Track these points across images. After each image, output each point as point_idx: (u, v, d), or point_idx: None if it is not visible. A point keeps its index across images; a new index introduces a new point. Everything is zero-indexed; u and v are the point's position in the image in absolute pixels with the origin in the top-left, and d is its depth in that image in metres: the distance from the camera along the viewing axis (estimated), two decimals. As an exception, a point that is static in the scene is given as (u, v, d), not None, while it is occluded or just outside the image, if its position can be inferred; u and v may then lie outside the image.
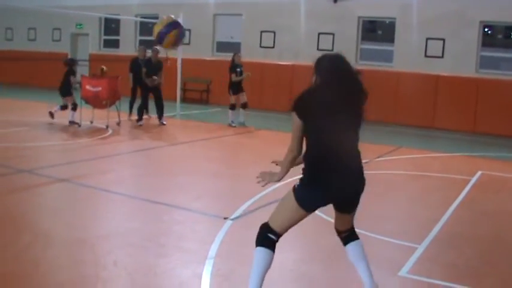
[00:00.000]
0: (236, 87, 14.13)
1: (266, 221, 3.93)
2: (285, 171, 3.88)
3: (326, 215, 6.03)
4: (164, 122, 13.97)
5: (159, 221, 6.25)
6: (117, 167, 9.25)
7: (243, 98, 14.29)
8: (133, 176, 8.71)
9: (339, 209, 4.00)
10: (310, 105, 3.71)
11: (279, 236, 3.87)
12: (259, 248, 3.84)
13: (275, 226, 3.85)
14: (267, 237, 3.85)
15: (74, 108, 12.78)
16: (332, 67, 3.78)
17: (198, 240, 5.63)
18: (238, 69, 14.04)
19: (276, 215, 3.90)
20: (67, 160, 9.39)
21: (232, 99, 14.15)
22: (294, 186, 3.83)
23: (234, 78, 13.98)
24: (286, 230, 3.89)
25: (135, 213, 6.59)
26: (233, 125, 14.11)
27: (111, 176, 8.43)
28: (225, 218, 6.19)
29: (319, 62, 3.83)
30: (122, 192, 7.43)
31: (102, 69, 13.24)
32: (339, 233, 4.16)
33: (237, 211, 6.53)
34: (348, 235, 4.13)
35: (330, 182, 3.72)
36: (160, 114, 13.98)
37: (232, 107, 14.14)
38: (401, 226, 6.58)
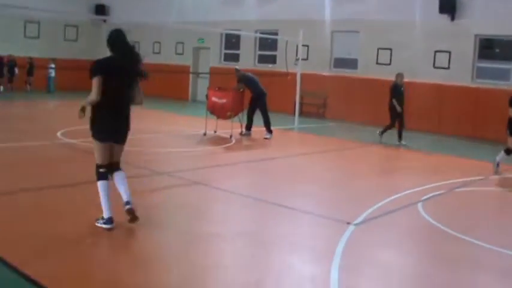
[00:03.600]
0: None
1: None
2: (85, 104, 5.76)
3: (444, 225, 6.41)
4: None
5: (287, 221, 6.85)
6: (244, 173, 10.02)
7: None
8: (259, 182, 9.37)
9: (115, 141, 5.95)
10: (104, 68, 5.75)
11: (105, 166, 5.89)
12: (99, 182, 5.84)
13: (99, 162, 5.90)
14: (100, 172, 5.88)
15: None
16: (119, 42, 5.83)
17: (324, 240, 6.18)
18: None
19: (96, 155, 5.92)
20: (198, 165, 10.33)
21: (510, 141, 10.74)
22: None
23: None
24: (107, 161, 5.91)
25: (264, 215, 7.24)
26: (498, 169, 10.91)
27: (240, 181, 9.17)
28: (348, 223, 6.68)
29: (110, 37, 5.85)
30: (251, 195, 8.13)
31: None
32: (111, 165, 5.96)
33: (360, 217, 7.01)
34: (115, 167, 6.01)
35: (106, 121, 5.81)
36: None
37: (508, 151, 10.79)
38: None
